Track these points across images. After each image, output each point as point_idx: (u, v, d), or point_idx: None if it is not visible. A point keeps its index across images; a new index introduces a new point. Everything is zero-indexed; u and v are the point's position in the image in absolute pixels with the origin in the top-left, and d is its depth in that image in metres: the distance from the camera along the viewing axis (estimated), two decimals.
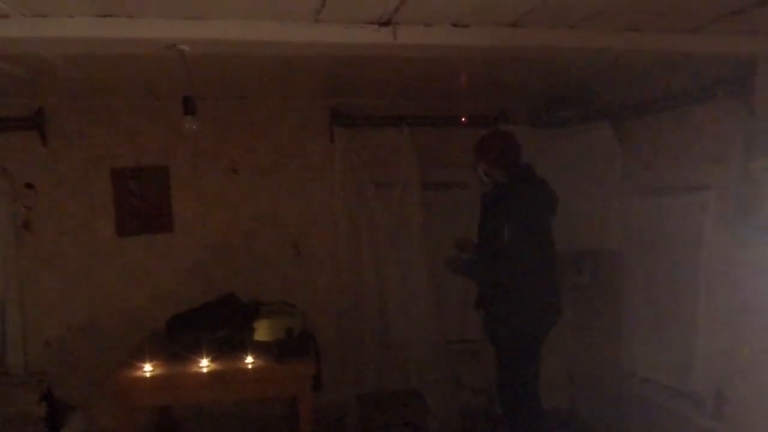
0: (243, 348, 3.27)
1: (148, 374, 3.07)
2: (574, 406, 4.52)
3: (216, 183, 4.13)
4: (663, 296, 3.46)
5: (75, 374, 3.95)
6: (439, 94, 4.13)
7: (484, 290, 3.44)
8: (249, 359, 3.20)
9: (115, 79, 3.37)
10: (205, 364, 3.14)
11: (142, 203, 4.02)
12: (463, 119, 4.26)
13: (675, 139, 3.37)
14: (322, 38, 2.28)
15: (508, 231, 3.06)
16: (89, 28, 2.12)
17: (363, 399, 3.89)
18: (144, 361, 3.11)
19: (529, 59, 2.97)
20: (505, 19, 2.28)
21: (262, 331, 3.41)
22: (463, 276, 3.63)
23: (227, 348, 3.29)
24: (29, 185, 3.88)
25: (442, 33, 2.29)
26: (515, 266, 3.11)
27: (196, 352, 3.17)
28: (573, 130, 4.11)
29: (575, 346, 4.50)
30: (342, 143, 4.17)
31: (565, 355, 4.50)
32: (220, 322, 3.43)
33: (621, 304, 3.86)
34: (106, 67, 3.04)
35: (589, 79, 3.73)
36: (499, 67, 3.27)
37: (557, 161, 4.18)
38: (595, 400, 4.29)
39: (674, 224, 3.35)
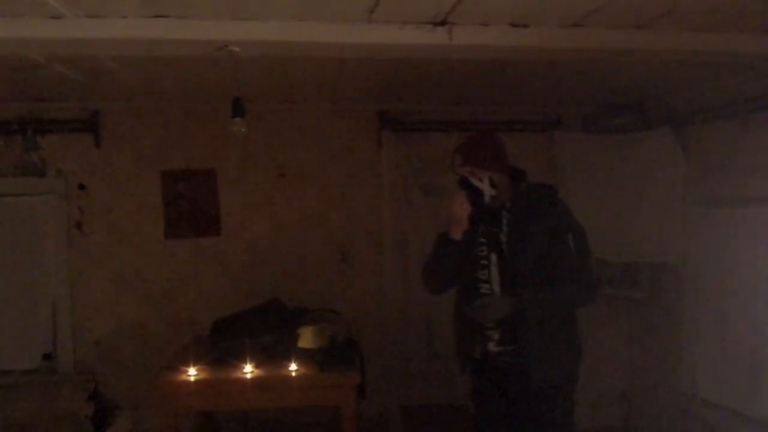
0: (287, 355, 3.21)
1: (192, 378, 3.04)
2: (628, 426, 4.31)
3: (263, 187, 4.11)
4: (730, 313, 3.25)
5: (122, 374, 3.98)
6: (490, 99, 4.01)
7: (523, 328, 2.52)
8: (293, 366, 3.14)
9: (167, 82, 3.38)
10: (248, 370, 3.10)
11: (190, 206, 4.03)
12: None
13: (743, 146, 3.17)
14: (375, 39, 2.21)
15: (574, 242, 2.50)
16: (142, 29, 2.11)
17: (408, 411, 3.79)
18: (189, 365, 3.09)
19: (588, 61, 2.84)
20: (568, 18, 2.16)
21: (306, 338, 3.36)
22: (532, 318, 2.51)
23: (271, 354, 3.24)
24: (82, 186, 3.95)
25: (499, 33, 2.19)
26: (589, 284, 2.59)
27: (240, 358, 3.13)
28: (631, 137, 3.94)
29: (629, 362, 4.31)
30: (390, 148, 4.10)
31: (619, 371, 4.30)
32: (265, 328, 3.39)
33: (681, 320, 3.66)
34: (158, 69, 3.05)
35: (648, 83, 3.55)
36: (555, 70, 3.14)
37: (613, 170, 4.01)
38: (651, 421, 4.08)
39: (743, 238, 3.15)
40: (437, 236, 2.71)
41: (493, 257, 2.60)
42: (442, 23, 2.16)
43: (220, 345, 3.31)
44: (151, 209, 4.01)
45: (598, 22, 2.19)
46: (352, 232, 4.19)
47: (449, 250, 2.61)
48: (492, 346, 2.61)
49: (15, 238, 3.87)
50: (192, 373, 3.06)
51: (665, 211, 3.69)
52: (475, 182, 2.56)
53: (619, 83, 3.52)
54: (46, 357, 3.91)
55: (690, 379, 3.55)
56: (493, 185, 2.56)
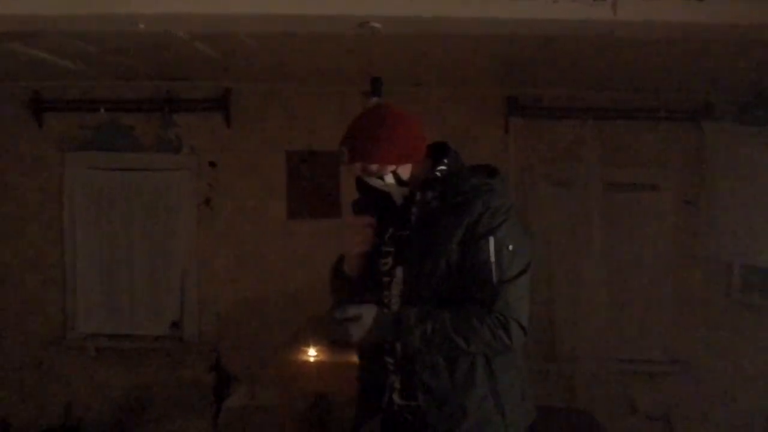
0: None
1: (312, 359, 3.05)
2: None
3: None
4: None
5: (240, 348, 4.09)
6: (629, 83, 3.69)
7: (423, 372, 1.73)
8: None
9: (298, 62, 3.38)
10: None
11: (312, 187, 4.05)
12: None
13: None
14: (526, 14, 2.05)
15: (495, 253, 1.65)
16: (285, 5, 2.07)
17: None
18: (308, 346, 3.10)
19: (758, 42, 2.50)
20: None
21: None
22: (406, 343, 1.70)
23: None
24: (212, 164, 4.07)
25: (671, 8, 1.95)
26: (502, 320, 1.64)
27: None
28: None
29: None
30: (517, 136, 3.91)
31: (764, 391, 3.87)
32: None
33: None
34: (293, 49, 3.04)
35: None
36: (711, 50, 2.80)
37: None
38: None
39: None
40: (333, 262, 1.96)
41: (399, 273, 1.77)
42: None
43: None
44: (274, 189, 4.07)
45: None
46: None
47: (337, 285, 1.92)
48: (396, 398, 1.78)
49: (151, 211, 4.07)
50: (312, 354, 3.07)
51: None
52: (375, 183, 1.76)
53: None
54: (174, 325, 4.10)
55: None
56: (401, 182, 1.76)
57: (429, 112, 4.01)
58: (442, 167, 1.77)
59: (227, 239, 4.10)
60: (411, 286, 1.73)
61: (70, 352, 4.10)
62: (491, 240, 1.65)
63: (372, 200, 1.81)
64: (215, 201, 4.09)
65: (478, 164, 1.83)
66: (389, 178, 1.75)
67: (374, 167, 1.73)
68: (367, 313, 1.67)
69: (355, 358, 1.94)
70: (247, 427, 3.79)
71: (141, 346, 4.08)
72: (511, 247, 1.66)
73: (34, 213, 4.09)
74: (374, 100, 2.39)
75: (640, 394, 3.97)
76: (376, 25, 2.19)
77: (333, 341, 1.58)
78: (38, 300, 4.11)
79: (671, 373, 3.93)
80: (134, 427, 4.03)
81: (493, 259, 1.64)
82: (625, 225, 3.88)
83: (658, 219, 3.88)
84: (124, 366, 4.10)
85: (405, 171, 1.76)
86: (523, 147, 3.90)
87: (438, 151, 1.82)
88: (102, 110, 4.01)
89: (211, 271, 4.11)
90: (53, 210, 4.09)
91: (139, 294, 4.09)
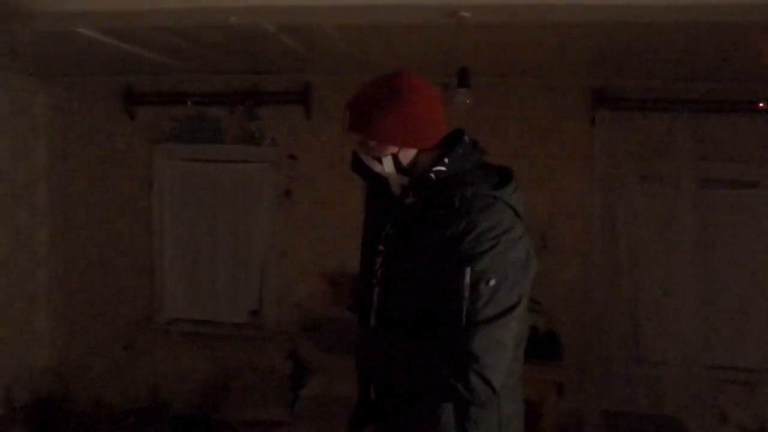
0: None
1: None
2: None
3: None
4: None
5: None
6: (726, 73, 3.46)
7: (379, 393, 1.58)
8: None
9: (380, 54, 3.37)
10: None
11: None
12: (761, 104, 3.54)
13: None
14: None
15: (471, 284, 1.36)
16: None
17: (611, 417, 3.48)
18: None
19: None
20: None
21: None
22: (365, 364, 1.58)
23: None
24: (292, 156, 4.13)
25: None
26: (462, 364, 1.35)
27: None
28: None
29: None
30: (605, 129, 3.75)
31: None
32: None
33: None
34: (376, 40, 3.03)
35: None
36: None
37: None
38: None
39: None
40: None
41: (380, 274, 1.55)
42: None
43: None
44: (353, 181, 4.05)
45: None
46: (554, 216, 3.91)
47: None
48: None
49: (234, 202, 4.18)
50: None
51: None
52: (370, 164, 1.50)
53: None
54: (253, 313, 4.20)
55: None
56: (400, 168, 1.49)
57: (514, 103, 3.93)
58: (440, 168, 1.46)
59: (306, 230, 4.16)
60: (386, 294, 1.50)
61: (157, 336, 4.28)
62: (467, 271, 1.35)
63: (369, 184, 1.58)
64: (295, 192, 4.15)
65: (493, 165, 1.53)
66: (388, 162, 1.48)
67: (372, 144, 1.46)
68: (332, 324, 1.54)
69: None
70: (323, 417, 3.84)
71: (222, 333, 4.20)
72: (492, 282, 1.34)
73: (126, 202, 4.30)
74: (461, 91, 2.34)
75: (733, 404, 3.73)
76: (465, 14, 2.14)
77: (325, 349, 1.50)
78: (128, 285, 4.31)
79: None
80: (215, 411, 4.16)
81: (466, 294, 1.34)
82: (719, 224, 3.66)
83: (756, 218, 3.64)
84: (206, 351, 4.24)
85: (407, 156, 1.48)
86: (610, 141, 3.74)
87: (452, 141, 1.51)
88: (189, 103, 4.14)
89: (290, 262, 4.18)
90: (143, 199, 4.27)
91: (221, 282, 4.22)
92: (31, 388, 4.20)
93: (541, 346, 3.04)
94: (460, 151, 1.48)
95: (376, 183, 1.54)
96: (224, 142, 4.18)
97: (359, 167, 1.53)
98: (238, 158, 4.18)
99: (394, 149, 1.46)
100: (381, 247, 1.55)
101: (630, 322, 3.75)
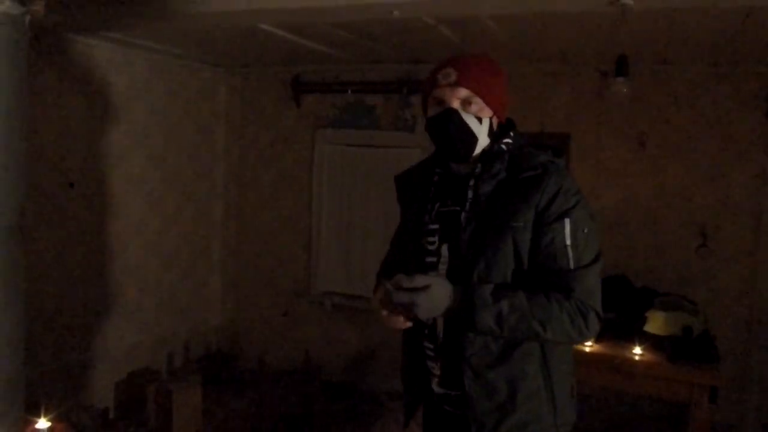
0: (630, 336, 3.02)
1: None
2: None
3: (618, 155, 3.86)
4: None
5: None
6: None
7: (469, 360, 1.56)
8: (637, 350, 2.94)
9: (536, 43, 3.37)
10: (588, 342, 3.00)
11: None
12: None
13: None
14: None
15: (571, 233, 1.51)
16: None
17: None
18: None
19: None
20: None
21: (655, 324, 3.08)
22: (480, 335, 1.55)
23: (612, 332, 3.07)
24: None
25: None
26: (582, 305, 1.50)
27: None
28: None
29: None
30: None
31: None
32: (609, 304, 3.21)
33: None
34: (535, 29, 3.04)
35: None
36: None
37: None
38: None
39: None
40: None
41: (444, 251, 1.60)
42: None
43: None
44: None
45: None
46: (718, 214, 3.66)
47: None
48: (435, 386, 1.66)
49: (386, 185, 4.36)
50: None
51: None
52: (468, 120, 1.55)
53: None
54: None
55: None
56: (492, 133, 1.60)
57: (679, 93, 3.73)
58: (508, 140, 1.61)
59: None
60: (458, 266, 1.56)
61: (311, 306, 4.65)
62: (567, 222, 1.50)
63: (421, 167, 1.73)
64: None
65: (539, 143, 1.66)
66: (485, 124, 1.57)
67: (479, 103, 1.56)
68: (437, 284, 1.47)
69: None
70: None
71: (369, 307, 4.45)
72: (586, 230, 1.52)
73: (290, 181, 4.70)
74: (619, 80, 2.30)
75: None
76: (628, 1, 2.10)
77: (392, 311, 1.45)
78: (288, 258, 4.73)
79: None
80: (360, 380, 4.44)
81: (569, 242, 1.50)
82: None
83: None
84: (354, 323, 4.53)
85: (494, 124, 1.61)
86: None
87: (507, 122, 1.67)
88: (349, 91, 4.42)
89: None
90: (304, 179, 4.64)
91: (370, 260, 4.46)
92: (205, 343, 4.78)
93: (694, 347, 2.91)
94: (516, 131, 1.65)
95: (444, 150, 1.62)
96: (379, 128, 4.41)
97: (439, 126, 1.58)
98: (392, 144, 4.38)
99: (490, 113, 1.58)
100: (433, 226, 1.63)
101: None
